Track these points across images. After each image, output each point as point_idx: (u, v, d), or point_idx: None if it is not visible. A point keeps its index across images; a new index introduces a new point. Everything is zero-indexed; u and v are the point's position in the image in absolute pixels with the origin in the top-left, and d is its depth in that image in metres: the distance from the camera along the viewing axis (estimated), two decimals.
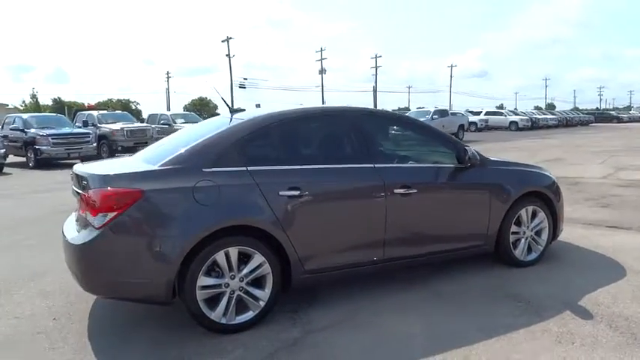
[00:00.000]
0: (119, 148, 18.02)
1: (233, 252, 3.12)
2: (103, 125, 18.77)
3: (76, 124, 18.18)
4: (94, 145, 16.71)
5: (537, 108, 73.16)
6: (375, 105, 62.46)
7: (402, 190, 3.63)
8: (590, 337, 3.01)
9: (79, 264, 3.05)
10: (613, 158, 13.90)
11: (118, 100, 76.08)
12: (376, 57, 64.80)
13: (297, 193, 3.28)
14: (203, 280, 3.05)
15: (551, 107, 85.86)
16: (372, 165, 3.62)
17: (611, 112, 65.77)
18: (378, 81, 64.73)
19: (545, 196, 4.41)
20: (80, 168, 3.46)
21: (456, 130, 23.95)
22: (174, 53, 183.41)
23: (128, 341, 3.15)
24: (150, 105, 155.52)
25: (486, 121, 35.16)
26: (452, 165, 3.96)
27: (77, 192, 3.32)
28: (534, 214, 4.37)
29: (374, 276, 3.91)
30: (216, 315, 3.10)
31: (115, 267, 2.97)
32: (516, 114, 38.97)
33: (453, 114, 26.82)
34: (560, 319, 3.28)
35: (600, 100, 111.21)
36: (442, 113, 23.69)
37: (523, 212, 4.29)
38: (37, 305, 3.77)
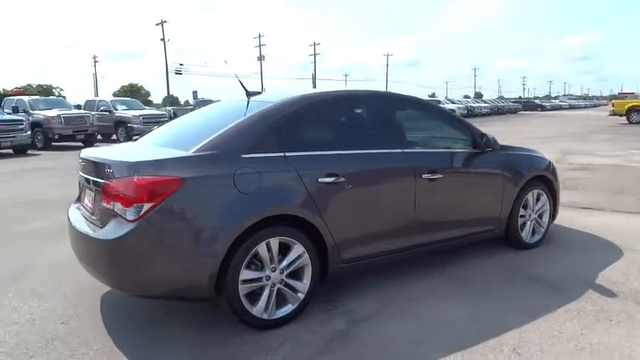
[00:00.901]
0: (56, 137, 16.81)
1: (274, 243, 2.94)
2: (36, 112, 17.40)
3: (5, 110, 16.67)
4: (28, 133, 15.48)
5: (466, 97, 76.39)
6: None
7: (429, 176, 3.59)
8: (623, 314, 3.13)
9: (108, 261, 2.75)
10: (554, 144, 14.76)
11: (39, 86, 71.02)
12: (314, 45, 64.78)
13: (334, 179, 3.14)
14: (245, 274, 2.86)
15: (478, 96, 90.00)
16: (401, 150, 3.55)
17: (535, 101, 69.86)
18: (315, 69, 64.77)
19: (547, 178, 4.55)
20: (96, 154, 3.13)
21: None
22: (98, 36, 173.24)
23: (162, 342, 2.89)
24: (75, 91, 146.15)
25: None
26: (470, 150, 3.97)
27: (93, 181, 2.98)
28: (538, 197, 4.50)
29: (395, 264, 3.85)
30: (257, 310, 2.92)
31: (152, 263, 2.70)
32: (453, 102, 40.40)
33: None
34: (588, 297, 3.39)
35: (524, 89, 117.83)
36: None
37: (529, 195, 4.40)
38: (34, 308, 3.39)
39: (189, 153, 2.84)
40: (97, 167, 2.97)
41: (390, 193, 3.46)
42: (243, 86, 3.68)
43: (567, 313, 3.16)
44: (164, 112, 22.78)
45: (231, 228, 2.76)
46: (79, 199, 3.53)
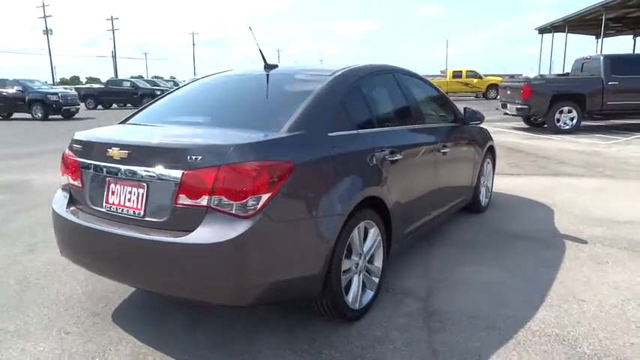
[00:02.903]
0: None
1: (361, 227, 2.75)
2: None
3: None
4: None
5: None
6: (116, 71, 57.18)
7: (444, 149, 3.74)
8: (610, 256, 3.76)
9: (218, 269, 2.19)
10: None
11: None
12: (112, 19, 58.88)
13: (395, 157, 3.05)
14: (345, 264, 2.62)
15: None
16: (426, 125, 3.63)
17: None
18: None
19: (492, 148, 5.11)
20: (136, 137, 2.50)
21: None
22: None
23: (256, 335, 2.47)
24: None
25: None
26: (455, 123, 4.23)
27: (150, 173, 2.33)
28: (487, 166, 5.03)
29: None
30: (351, 301, 2.71)
31: (272, 263, 2.27)
32: None
33: None
34: (570, 247, 3.97)
35: None
36: None
37: (485, 164, 4.89)
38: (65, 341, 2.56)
39: (284, 134, 2.43)
40: (159, 154, 2.33)
41: (424, 167, 3.51)
42: (263, 58, 3.26)
43: (572, 261, 3.66)
44: None
45: (340, 214, 2.48)
46: (74, 202, 2.74)
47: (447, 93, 30.19)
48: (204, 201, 2.20)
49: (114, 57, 56.56)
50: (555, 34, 35.07)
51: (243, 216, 2.17)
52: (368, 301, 2.86)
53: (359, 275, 2.78)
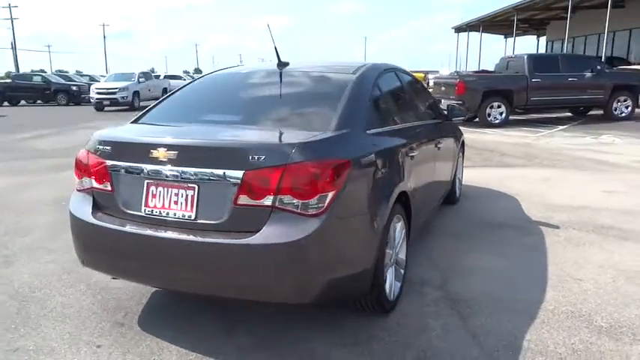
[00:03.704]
0: None
1: (396, 221, 2.84)
2: None
3: None
4: None
5: (185, 72, 76.39)
6: (17, 65, 52.71)
7: (440, 144, 3.94)
8: (584, 239, 4.16)
9: (286, 268, 2.17)
10: None
11: None
12: (10, 7, 54.07)
13: (413, 153, 3.18)
14: (386, 256, 2.70)
15: (198, 72, 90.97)
16: (427, 122, 3.79)
17: None
18: (14, 37, 54.24)
19: (464, 143, 5.41)
20: (209, 138, 2.50)
21: (161, 94, 23.39)
22: None
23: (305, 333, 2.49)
24: None
25: None
26: (440, 119, 4.44)
27: (203, 174, 2.26)
28: (460, 159, 5.33)
29: None
30: (388, 294, 2.80)
31: (335, 260, 2.30)
32: (192, 78, 40.26)
33: (157, 77, 25.85)
34: (547, 232, 4.33)
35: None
36: (147, 76, 22.44)
37: (459, 159, 5.18)
38: None
39: (335, 132, 2.45)
40: (214, 154, 2.27)
41: (428, 161, 3.68)
42: (277, 56, 3.23)
43: (555, 245, 4.00)
44: None
45: (387, 209, 2.56)
46: (99, 206, 2.58)
47: None
48: (268, 201, 2.18)
49: (14, 49, 52.03)
50: (467, 33, 37.25)
51: (310, 214, 2.18)
52: (398, 292, 2.97)
53: (392, 268, 2.88)
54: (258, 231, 2.19)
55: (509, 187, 6.03)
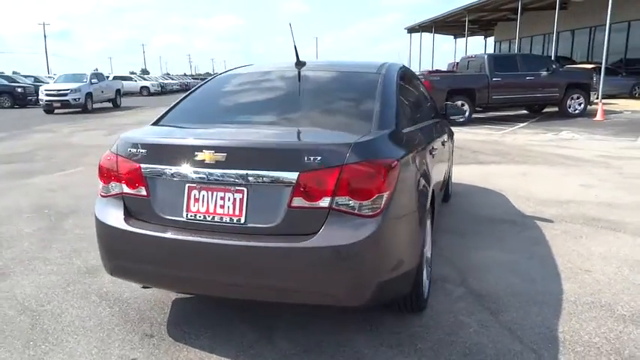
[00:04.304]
0: None
1: (429, 219, 2.86)
2: None
3: None
4: None
5: (132, 73, 74.20)
6: None
7: (445, 142, 4.01)
8: (579, 231, 4.33)
9: (351, 270, 2.15)
10: None
11: None
12: None
13: (435, 151, 3.21)
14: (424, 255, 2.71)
15: (145, 72, 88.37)
16: (436, 120, 3.85)
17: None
18: None
19: (454, 141, 5.52)
20: (259, 139, 2.41)
21: (114, 96, 22.56)
22: None
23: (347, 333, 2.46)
24: None
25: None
26: (440, 118, 4.51)
27: (255, 176, 2.18)
28: (451, 157, 5.43)
29: None
30: (424, 292, 2.81)
31: (388, 260, 2.28)
32: (145, 79, 39.17)
33: (107, 77, 24.94)
34: (546, 225, 4.49)
35: (190, 66, 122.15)
36: (99, 77, 21.49)
37: (451, 156, 5.28)
38: None
39: (381, 131, 2.43)
40: (266, 156, 2.21)
41: (440, 159, 3.73)
42: (297, 55, 3.16)
43: (555, 238, 4.15)
44: None
45: (428, 207, 2.58)
46: (130, 212, 2.44)
47: None
48: (324, 202, 2.14)
49: None
50: (420, 33, 38.14)
51: (367, 215, 2.15)
52: (428, 290, 2.99)
53: (425, 265, 2.89)
54: (314, 233, 2.14)
55: (493, 183, 6.21)
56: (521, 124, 13.11)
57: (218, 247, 2.22)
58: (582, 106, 13.99)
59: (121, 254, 2.47)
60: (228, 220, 2.24)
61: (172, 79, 46.12)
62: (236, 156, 2.22)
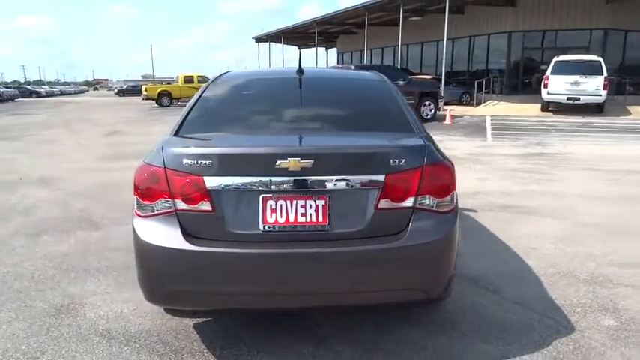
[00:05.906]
0: None
1: None
2: None
3: None
4: None
5: None
6: None
7: None
8: (505, 217, 5.04)
9: (437, 265, 2.30)
10: (135, 127, 15.54)
11: None
12: None
13: None
14: None
15: None
16: None
17: (28, 87, 65.22)
18: None
19: None
20: (342, 144, 2.45)
21: None
22: None
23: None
24: None
25: None
26: None
27: (334, 183, 2.19)
28: None
29: None
30: None
31: (457, 254, 2.46)
32: None
33: None
34: (475, 214, 5.11)
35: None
36: None
37: None
38: None
39: (423, 134, 2.61)
40: (353, 161, 2.27)
41: None
42: (300, 62, 3.16)
43: (493, 224, 4.76)
44: None
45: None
46: (192, 232, 2.24)
47: (180, 98, 30.09)
48: (409, 202, 2.25)
49: None
50: (268, 43, 38.98)
51: (444, 212, 2.33)
52: None
53: None
54: (399, 233, 2.24)
55: None
56: None
57: (302, 256, 2.18)
58: (433, 111, 15.87)
59: (181, 278, 2.23)
60: (311, 229, 2.21)
61: None
62: (322, 162, 2.20)
